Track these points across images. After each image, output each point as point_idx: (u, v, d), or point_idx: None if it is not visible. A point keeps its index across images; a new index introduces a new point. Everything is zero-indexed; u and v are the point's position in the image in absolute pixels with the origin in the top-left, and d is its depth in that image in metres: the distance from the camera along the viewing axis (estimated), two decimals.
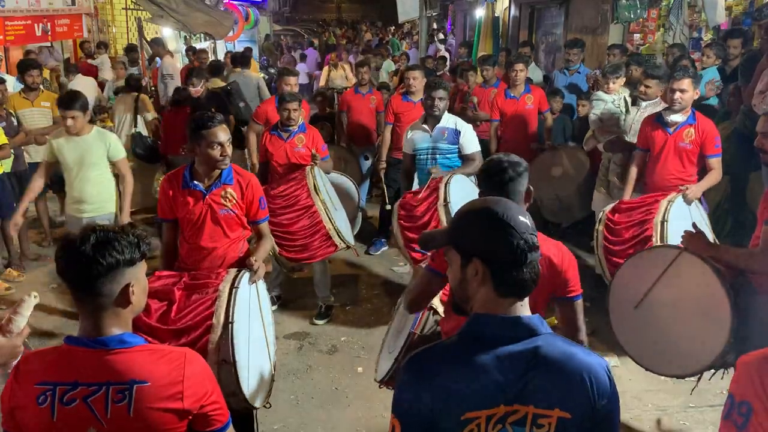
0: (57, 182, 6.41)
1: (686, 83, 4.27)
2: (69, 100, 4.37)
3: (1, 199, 5.47)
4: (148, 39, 12.33)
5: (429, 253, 2.81)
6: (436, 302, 2.85)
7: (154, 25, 12.37)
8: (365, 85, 7.06)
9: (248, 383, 2.75)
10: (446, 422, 1.38)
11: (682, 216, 3.95)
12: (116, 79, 9.04)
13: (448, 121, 4.88)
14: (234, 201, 3.33)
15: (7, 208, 5.41)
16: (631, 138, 5.01)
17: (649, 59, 8.61)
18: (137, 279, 1.66)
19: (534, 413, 1.39)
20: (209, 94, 6.67)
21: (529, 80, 6.57)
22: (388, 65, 12.28)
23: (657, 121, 4.54)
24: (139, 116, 7.12)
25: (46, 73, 9.48)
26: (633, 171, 4.70)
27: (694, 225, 3.12)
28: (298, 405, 3.91)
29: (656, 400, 3.89)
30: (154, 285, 2.78)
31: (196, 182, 3.31)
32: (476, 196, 1.94)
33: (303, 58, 16.67)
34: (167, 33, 13.67)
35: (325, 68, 12.60)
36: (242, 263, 3.41)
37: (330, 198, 4.61)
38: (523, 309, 1.47)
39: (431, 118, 4.84)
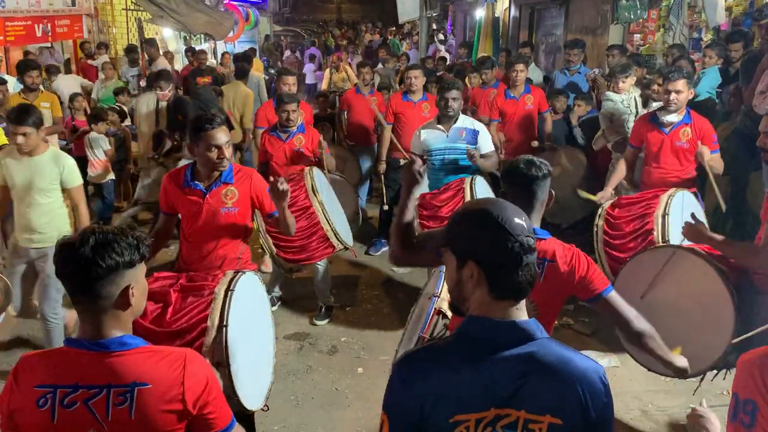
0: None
1: (681, 84, 4.31)
2: (20, 114, 3.77)
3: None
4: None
5: None
6: (446, 306, 2.84)
7: (154, 26, 12.38)
8: (367, 85, 7.06)
9: (244, 386, 2.74)
10: (435, 423, 1.38)
11: (682, 210, 3.96)
12: (104, 80, 9.01)
13: (465, 121, 4.91)
14: (236, 198, 3.33)
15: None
16: None
17: (649, 60, 8.64)
18: (137, 281, 1.66)
19: (525, 418, 1.39)
20: (177, 100, 6.42)
21: (528, 81, 6.57)
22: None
23: (651, 121, 4.57)
24: (160, 115, 7.19)
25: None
26: (621, 165, 4.73)
27: (693, 215, 3.12)
28: (298, 405, 3.91)
29: (657, 401, 3.89)
30: (152, 286, 2.77)
31: (196, 182, 3.31)
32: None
33: (312, 58, 16.65)
34: (167, 33, 13.70)
35: (327, 70, 12.58)
36: (243, 260, 3.43)
37: (328, 199, 4.61)
38: (519, 313, 1.46)
39: (445, 119, 4.84)
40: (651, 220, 3.92)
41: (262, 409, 2.99)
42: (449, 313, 2.88)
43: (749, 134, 4.89)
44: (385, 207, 6.21)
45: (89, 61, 11.62)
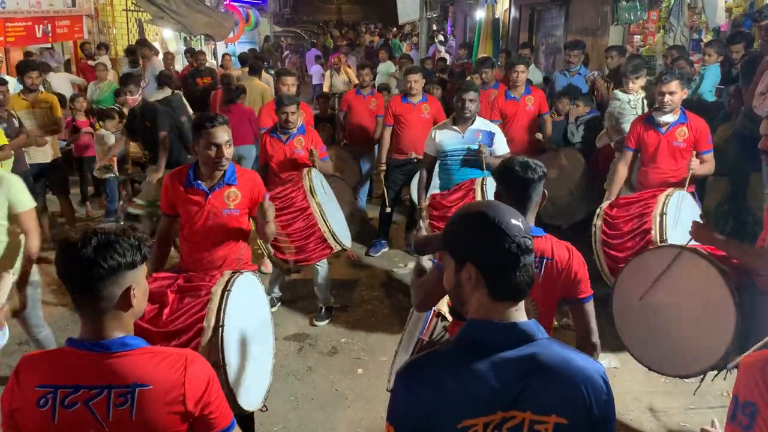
0: (57, 183, 6.43)
1: (674, 85, 4.37)
2: None
3: None
4: (149, 40, 12.36)
5: None
6: (444, 308, 2.84)
7: (154, 27, 12.39)
8: (366, 87, 7.07)
9: (242, 386, 2.74)
10: (443, 429, 1.38)
11: (679, 209, 3.98)
12: (98, 81, 9.00)
13: (481, 123, 4.92)
14: (238, 200, 3.33)
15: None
16: None
17: (649, 61, 8.64)
18: (138, 282, 1.66)
19: (531, 419, 1.39)
20: (145, 105, 6.07)
21: (528, 82, 6.57)
22: (388, 67, 12.26)
23: (648, 122, 4.61)
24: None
25: None
26: (621, 169, 4.76)
27: (702, 216, 3.13)
28: (297, 406, 3.91)
29: (656, 402, 3.89)
30: (150, 287, 2.77)
31: (199, 182, 3.31)
32: None
33: (318, 59, 16.67)
34: (168, 34, 13.70)
35: (327, 72, 12.59)
36: (242, 260, 3.43)
37: (327, 200, 4.61)
38: (519, 314, 1.46)
39: (461, 120, 4.85)
40: (649, 220, 3.94)
41: (261, 410, 2.98)
42: (449, 316, 2.88)
43: (749, 135, 4.89)
44: (388, 209, 6.22)
45: (89, 62, 11.62)
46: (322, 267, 4.88)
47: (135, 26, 12.72)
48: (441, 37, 19.75)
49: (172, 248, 3.85)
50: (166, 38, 14.04)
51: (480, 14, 14.32)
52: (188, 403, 1.61)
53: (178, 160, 5.80)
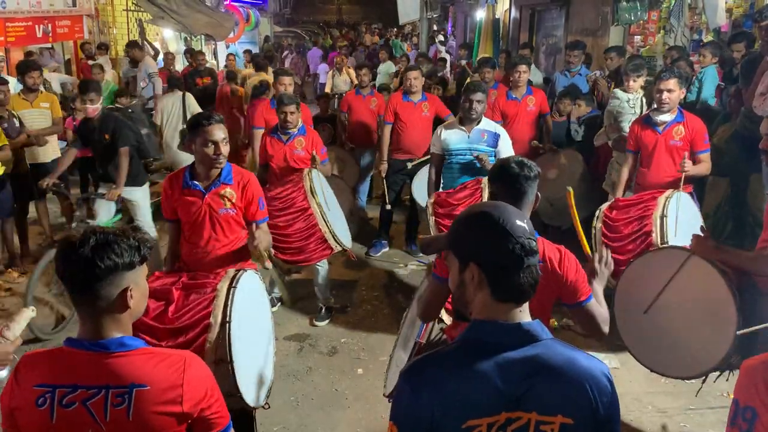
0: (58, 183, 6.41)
1: (672, 83, 4.36)
2: None
3: (1, 200, 5.46)
4: (150, 40, 12.37)
5: None
6: (442, 311, 2.84)
7: (155, 27, 12.39)
8: (366, 87, 7.07)
9: (246, 383, 2.75)
10: (446, 430, 1.37)
11: (679, 211, 3.98)
12: None
13: (487, 124, 4.93)
14: (233, 201, 3.33)
15: (7, 209, 5.40)
16: None
17: (650, 61, 8.64)
18: (136, 283, 1.64)
19: (537, 420, 1.38)
20: (105, 115, 5.36)
21: (528, 82, 6.57)
22: (389, 67, 12.28)
23: (645, 122, 4.61)
24: (188, 113, 7.40)
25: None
26: (624, 172, 4.76)
27: (703, 228, 3.12)
28: (297, 406, 3.91)
29: (657, 402, 3.89)
30: (153, 285, 2.77)
31: (195, 182, 3.31)
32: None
33: (325, 58, 16.65)
34: (168, 34, 13.71)
35: (329, 72, 12.59)
36: (242, 260, 3.42)
37: (327, 201, 4.61)
38: (523, 315, 1.45)
39: (468, 120, 4.86)
40: (649, 223, 3.94)
41: (263, 407, 2.99)
42: (446, 318, 2.87)
43: (749, 136, 4.89)
44: (388, 207, 6.22)
45: (90, 62, 11.62)
46: (323, 267, 4.88)
47: (135, 26, 12.71)
48: (441, 38, 19.76)
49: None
50: (167, 38, 14.04)
51: (480, 14, 14.33)
52: (186, 405, 1.61)
53: (137, 176, 5.41)
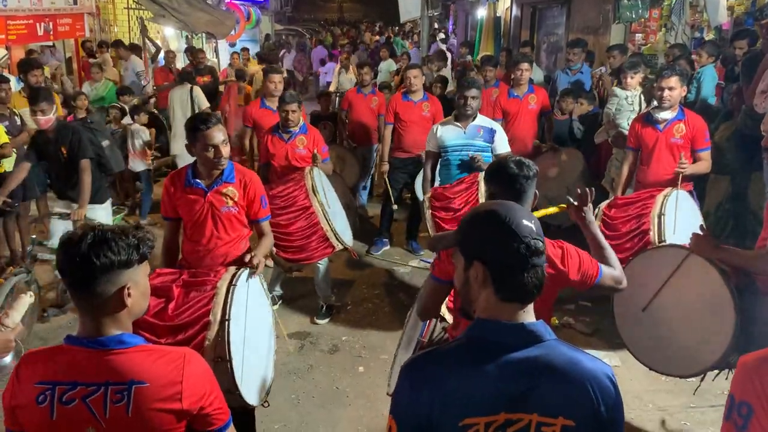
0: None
1: (673, 80, 4.36)
2: None
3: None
4: (151, 38, 12.36)
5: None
6: (443, 309, 2.84)
7: (155, 25, 12.38)
8: (367, 85, 7.06)
9: (245, 381, 2.75)
10: (444, 427, 1.37)
11: (677, 210, 3.97)
12: (93, 82, 9.01)
13: (483, 120, 4.96)
14: (235, 199, 3.33)
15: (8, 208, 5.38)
16: None
17: (651, 59, 8.63)
18: (135, 282, 1.63)
19: (538, 421, 1.38)
20: (61, 126, 4.87)
21: (529, 80, 6.56)
22: (390, 65, 12.26)
23: (646, 119, 4.61)
24: (195, 107, 7.64)
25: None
26: (625, 170, 4.76)
27: (702, 227, 3.11)
28: (298, 404, 3.91)
29: (657, 400, 3.89)
30: (153, 282, 2.77)
31: (197, 180, 3.31)
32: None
33: (332, 57, 16.65)
34: (169, 32, 13.70)
35: (336, 67, 12.59)
36: (243, 261, 3.42)
37: (328, 199, 4.61)
38: (527, 315, 1.44)
39: (463, 117, 4.89)
40: (647, 221, 3.94)
41: (263, 405, 2.99)
42: (448, 317, 2.88)
43: (750, 134, 4.89)
44: (394, 207, 6.25)
45: (91, 60, 11.62)
46: (323, 265, 4.88)
47: (136, 24, 12.70)
48: (442, 36, 19.73)
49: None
50: (168, 36, 14.04)
51: (481, 12, 14.32)
52: (185, 402, 1.61)
53: (97, 192, 4.89)
